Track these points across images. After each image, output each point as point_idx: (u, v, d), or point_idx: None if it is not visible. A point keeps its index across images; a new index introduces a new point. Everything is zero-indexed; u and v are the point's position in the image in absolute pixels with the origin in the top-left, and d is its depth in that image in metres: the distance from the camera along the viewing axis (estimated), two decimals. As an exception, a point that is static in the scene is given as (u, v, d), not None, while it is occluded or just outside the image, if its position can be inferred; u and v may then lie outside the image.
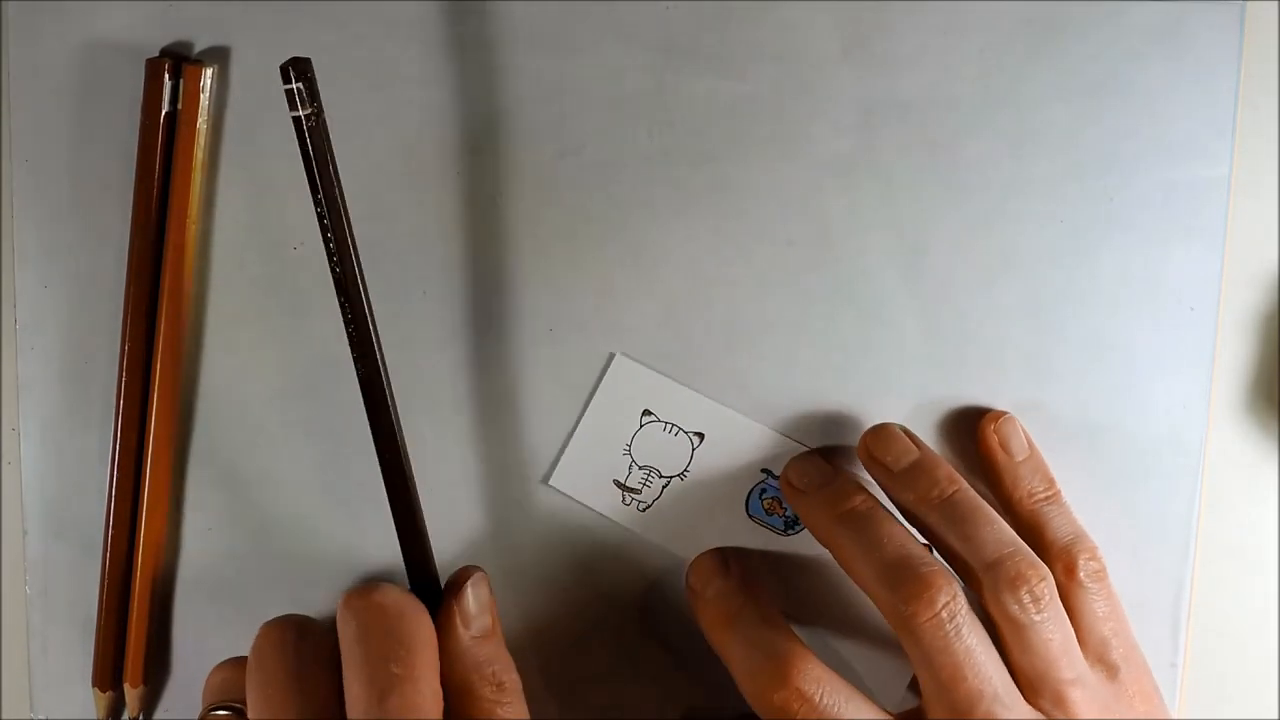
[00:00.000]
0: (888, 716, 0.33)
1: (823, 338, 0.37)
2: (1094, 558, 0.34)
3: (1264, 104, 0.37)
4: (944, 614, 0.32)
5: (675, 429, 0.37)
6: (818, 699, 0.32)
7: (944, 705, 0.32)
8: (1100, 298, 0.37)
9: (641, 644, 0.38)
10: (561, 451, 0.38)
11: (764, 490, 0.37)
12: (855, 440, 0.37)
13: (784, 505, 0.37)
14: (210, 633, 0.39)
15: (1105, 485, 0.37)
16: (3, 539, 0.40)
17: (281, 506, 0.38)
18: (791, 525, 0.37)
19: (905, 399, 0.37)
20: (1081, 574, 0.34)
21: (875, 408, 0.37)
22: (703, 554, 0.37)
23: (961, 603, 0.32)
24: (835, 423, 0.37)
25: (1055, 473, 0.37)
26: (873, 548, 0.33)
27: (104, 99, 0.37)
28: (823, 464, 0.37)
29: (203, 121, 0.37)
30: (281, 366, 0.38)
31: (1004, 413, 0.36)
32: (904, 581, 0.32)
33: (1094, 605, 0.34)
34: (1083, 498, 0.37)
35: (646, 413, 0.37)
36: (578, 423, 0.38)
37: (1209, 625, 0.38)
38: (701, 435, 0.37)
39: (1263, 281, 0.38)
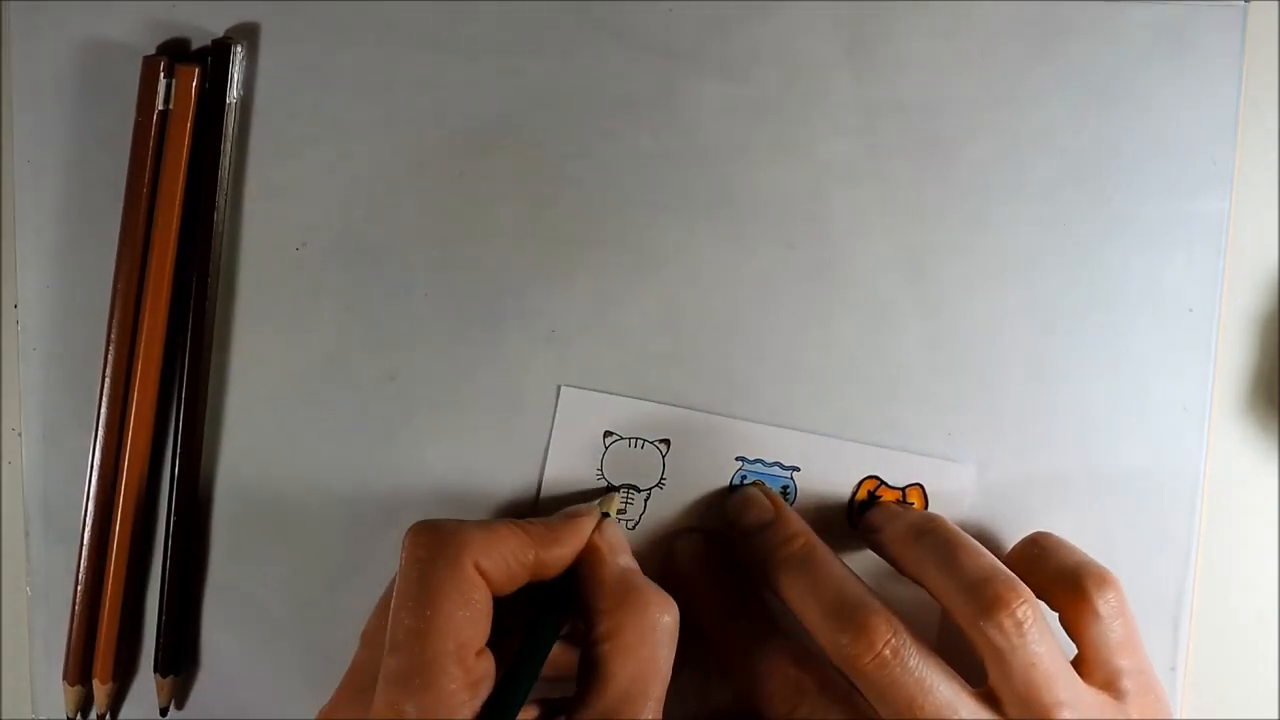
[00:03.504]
0: (961, 681, 0.33)
1: (824, 339, 0.37)
2: (1106, 584, 0.34)
3: (1265, 104, 0.37)
4: (886, 652, 0.32)
5: (640, 442, 0.37)
6: (897, 646, 0.32)
7: None
8: (1101, 299, 0.37)
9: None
10: (538, 493, 0.38)
11: (744, 476, 0.38)
12: (863, 455, 0.37)
13: (768, 486, 0.37)
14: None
15: (1106, 488, 0.37)
16: (3, 539, 0.40)
17: (283, 507, 0.38)
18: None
19: (906, 401, 0.37)
20: (1096, 603, 0.33)
21: (877, 409, 0.37)
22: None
23: (904, 638, 0.32)
24: (835, 424, 0.37)
25: (1057, 478, 0.37)
26: (811, 592, 0.34)
27: (107, 99, 0.37)
28: (762, 501, 0.37)
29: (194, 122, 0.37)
30: (283, 368, 0.38)
31: None
32: (842, 626, 0.32)
33: (1107, 636, 0.33)
34: (1083, 500, 0.37)
35: (608, 434, 0.37)
36: (544, 462, 0.38)
37: (1210, 626, 0.38)
38: (667, 442, 0.37)
39: (1263, 282, 0.38)
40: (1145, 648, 0.34)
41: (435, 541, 0.31)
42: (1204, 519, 0.37)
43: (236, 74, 0.37)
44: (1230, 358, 0.38)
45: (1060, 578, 0.34)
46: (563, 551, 0.33)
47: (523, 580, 0.32)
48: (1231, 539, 0.38)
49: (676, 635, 0.32)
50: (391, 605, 0.30)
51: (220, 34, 0.37)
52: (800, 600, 0.34)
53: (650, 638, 0.31)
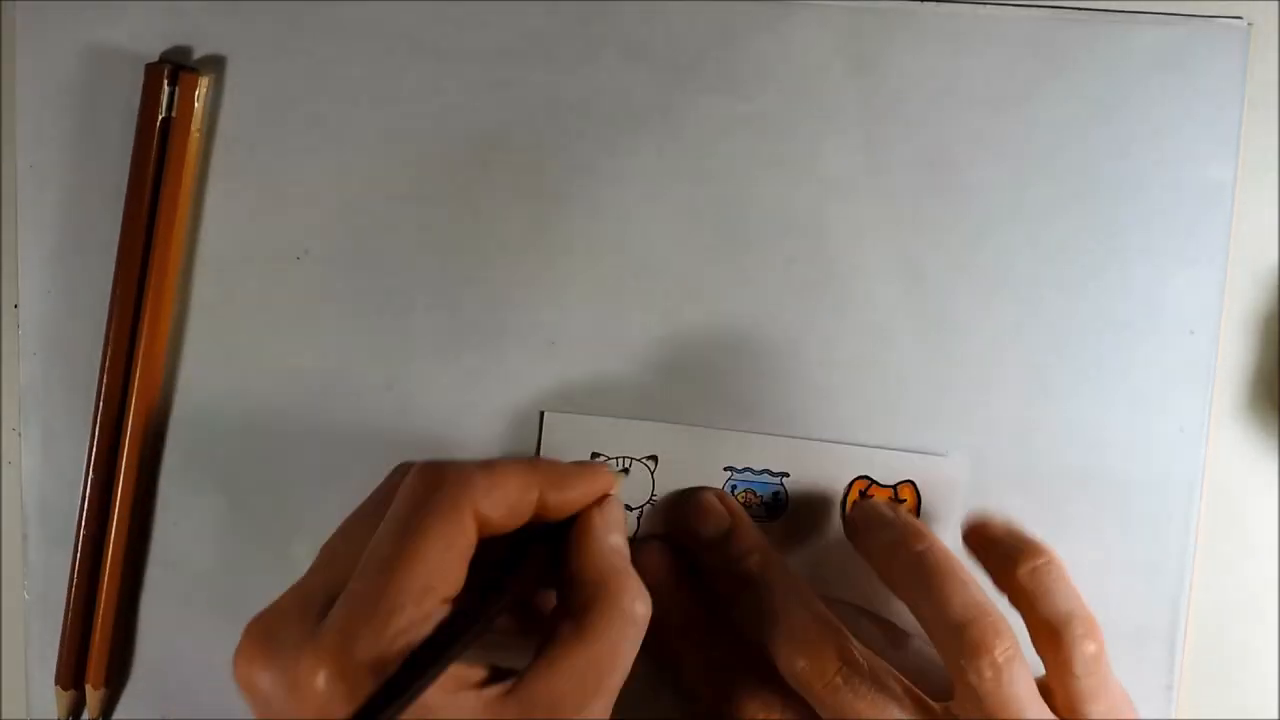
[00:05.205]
0: (921, 703, 0.33)
1: (823, 353, 0.37)
2: (1089, 637, 0.33)
3: (1267, 125, 0.37)
4: (838, 678, 0.32)
5: (628, 460, 0.37)
6: (849, 672, 0.32)
7: None
8: (1101, 320, 0.37)
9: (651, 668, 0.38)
10: None
11: (734, 486, 0.37)
12: (851, 456, 0.37)
13: (759, 493, 0.37)
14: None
15: (1103, 509, 0.37)
16: (3, 539, 0.40)
17: (280, 515, 0.38)
18: (773, 509, 0.37)
19: (903, 416, 0.37)
20: (1075, 663, 0.32)
21: (875, 426, 0.37)
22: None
23: (857, 663, 0.32)
24: (833, 439, 0.37)
25: (1053, 496, 0.37)
26: (765, 614, 0.34)
27: (109, 105, 0.38)
28: (718, 509, 0.36)
29: (196, 130, 0.37)
30: (282, 375, 0.38)
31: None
32: (794, 650, 0.33)
33: (1080, 688, 0.33)
34: (1080, 521, 0.37)
35: (595, 455, 0.38)
36: None
37: (1209, 639, 0.38)
38: (655, 458, 0.37)
39: (1264, 293, 0.37)
40: (1120, 687, 0.34)
41: (435, 482, 0.30)
42: (1200, 538, 0.37)
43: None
44: (1229, 377, 0.38)
45: (1046, 627, 0.33)
46: (570, 496, 0.32)
47: (526, 518, 0.31)
48: (1231, 552, 0.38)
49: (645, 629, 0.31)
50: (377, 531, 0.30)
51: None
52: (754, 621, 0.34)
53: (618, 624, 0.30)
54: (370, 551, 0.30)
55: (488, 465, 0.31)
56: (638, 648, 0.31)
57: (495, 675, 0.30)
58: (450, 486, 0.30)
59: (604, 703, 0.30)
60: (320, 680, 0.28)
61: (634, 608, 0.30)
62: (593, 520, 0.32)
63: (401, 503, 0.30)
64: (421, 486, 0.30)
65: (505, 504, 0.30)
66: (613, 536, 0.32)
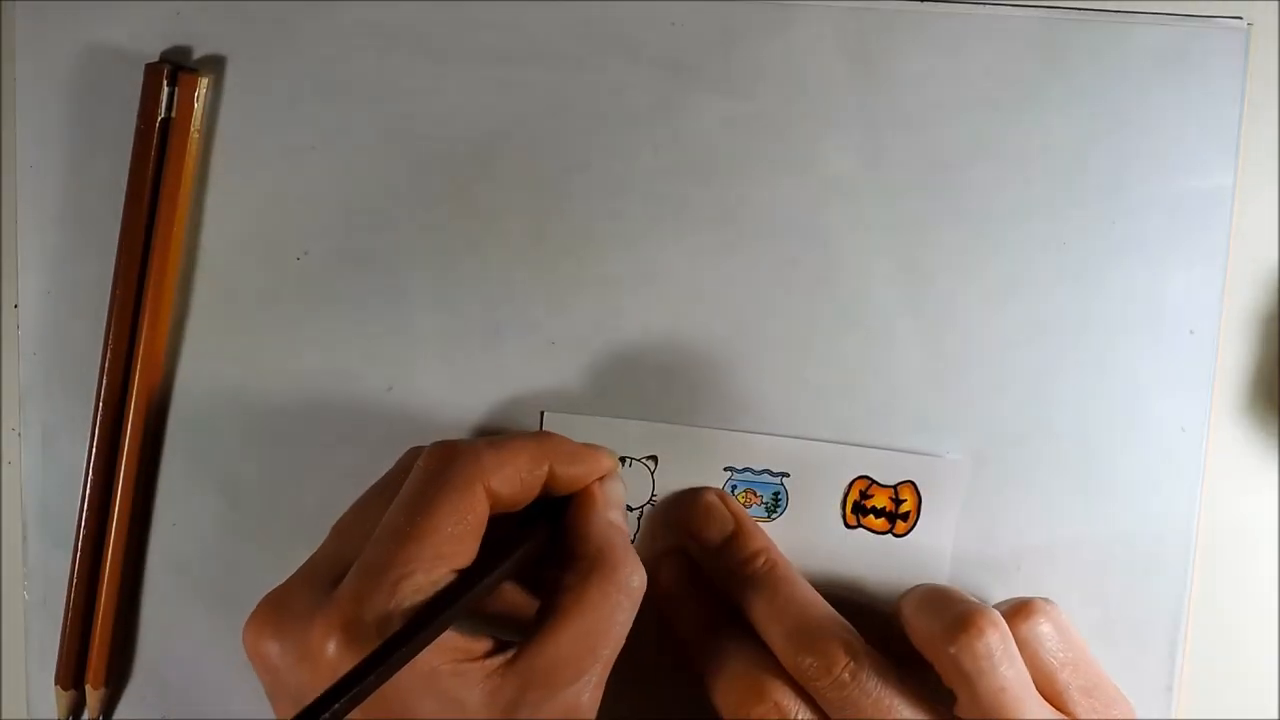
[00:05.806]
0: (928, 705, 0.33)
1: (825, 357, 0.37)
2: (1047, 604, 0.34)
3: (1267, 125, 0.37)
4: (845, 675, 0.32)
5: (628, 460, 0.37)
6: (856, 669, 0.32)
7: None
8: (1102, 321, 0.37)
9: (655, 672, 0.38)
10: None
11: (734, 486, 0.38)
12: (851, 456, 0.37)
13: (759, 493, 0.37)
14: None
15: (1103, 509, 0.37)
16: (3, 539, 0.40)
17: (279, 516, 0.38)
18: (773, 509, 0.37)
19: (902, 416, 0.37)
20: (1035, 620, 0.33)
21: (875, 426, 0.37)
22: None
23: (864, 661, 0.32)
24: (833, 439, 0.37)
25: (1053, 496, 0.37)
26: (772, 615, 0.34)
27: (109, 106, 0.38)
28: (721, 511, 0.37)
29: (196, 130, 0.37)
30: (281, 375, 0.38)
31: None
32: (801, 648, 0.33)
33: (1048, 654, 0.33)
34: (1080, 521, 0.37)
35: None
36: None
37: (1208, 643, 0.38)
38: (655, 458, 0.37)
39: (1264, 283, 0.37)
40: (1114, 685, 0.34)
41: (448, 457, 0.32)
42: (1200, 538, 0.37)
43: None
44: (1229, 377, 0.38)
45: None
46: (578, 470, 0.34)
47: (536, 491, 0.33)
48: (1231, 552, 0.38)
49: (639, 601, 0.32)
50: (390, 507, 0.31)
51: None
52: (763, 621, 0.34)
53: (613, 596, 0.31)
54: (384, 524, 0.31)
55: (498, 443, 0.33)
56: (632, 619, 0.32)
57: (498, 648, 0.31)
58: (462, 462, 0.31)
59: (599, 672, 0.31)
60: (331, 647, 0.29)
61: (630, 580, 0.32)
62: (595, 494, 0.34)
63: (415, 479, 0.32)
64: (435, 463, 0.32)
65: (516, 479, 0.32)
66: (612, 512, 0.34)
